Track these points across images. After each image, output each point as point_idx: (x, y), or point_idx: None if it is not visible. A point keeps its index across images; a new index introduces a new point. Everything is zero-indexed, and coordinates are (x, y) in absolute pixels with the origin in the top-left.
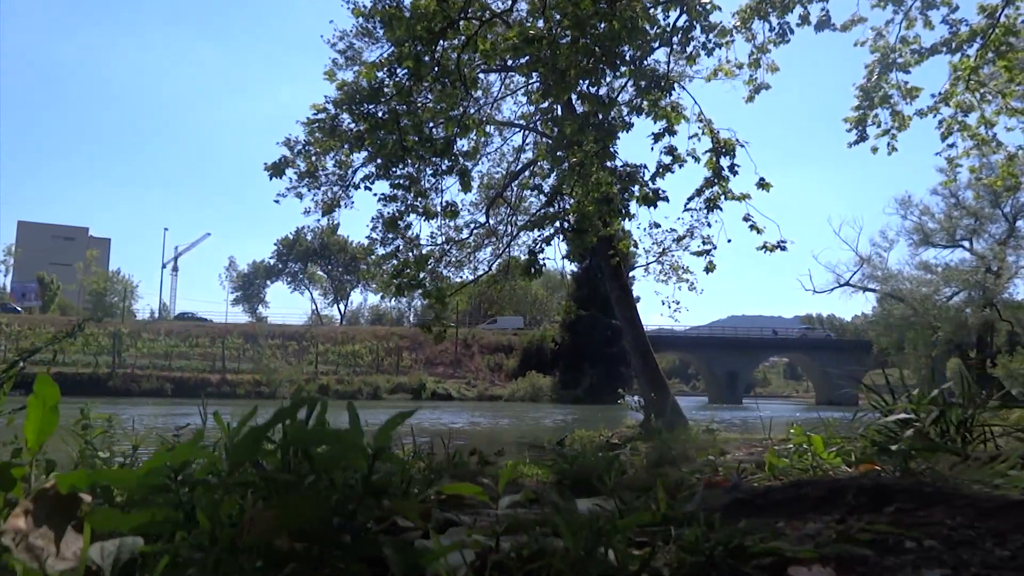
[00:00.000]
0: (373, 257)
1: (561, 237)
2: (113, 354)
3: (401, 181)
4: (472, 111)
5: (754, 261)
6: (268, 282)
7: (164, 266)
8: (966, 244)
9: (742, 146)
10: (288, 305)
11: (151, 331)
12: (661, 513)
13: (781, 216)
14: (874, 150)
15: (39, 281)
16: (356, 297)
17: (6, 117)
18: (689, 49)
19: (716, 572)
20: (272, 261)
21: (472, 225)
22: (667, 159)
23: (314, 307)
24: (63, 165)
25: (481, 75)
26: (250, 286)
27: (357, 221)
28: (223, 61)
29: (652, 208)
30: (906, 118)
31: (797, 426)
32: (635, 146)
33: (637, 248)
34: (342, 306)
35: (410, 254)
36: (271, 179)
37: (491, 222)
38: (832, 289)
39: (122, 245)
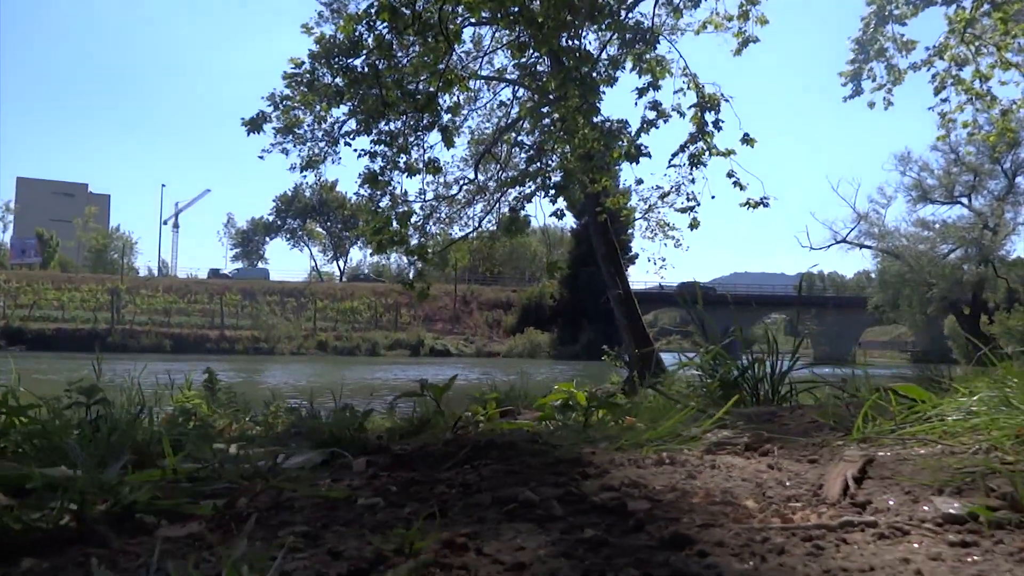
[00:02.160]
0: (364, 215)
1: (543, 194)
2: (112, 310)
3: (383, 137)
4: (459, 66)
5: (756, 218)
6: (267, 239)
7: (165, 222)
8: (964, 200)
9: (727, 101)
10: (288, 262)
11: (150, 287)
12: (172, 470)
13: (782, 173)
14: (871, 105)
15: (38, 237)
16: (356, 254)
17: (3, 72)
18: (676, 0)
19: (88, 529)
20: (271, 217)
21: (462, 181)
22: (651, 114)
23: (313, 264)
24: (62, 121)
25: (472, 28)
26: (249, 242)
27: (356, 177)
28: (224, 8)
29: (635, 164)
30: (901, 72)
31: (565, 383)
32: (619, 102)
33: (625, 204)
34: (341, 263)
35: (395, 211)
36: (248, 135)
37: (481, 178)
38: (828, 246)
39: (122, 202)
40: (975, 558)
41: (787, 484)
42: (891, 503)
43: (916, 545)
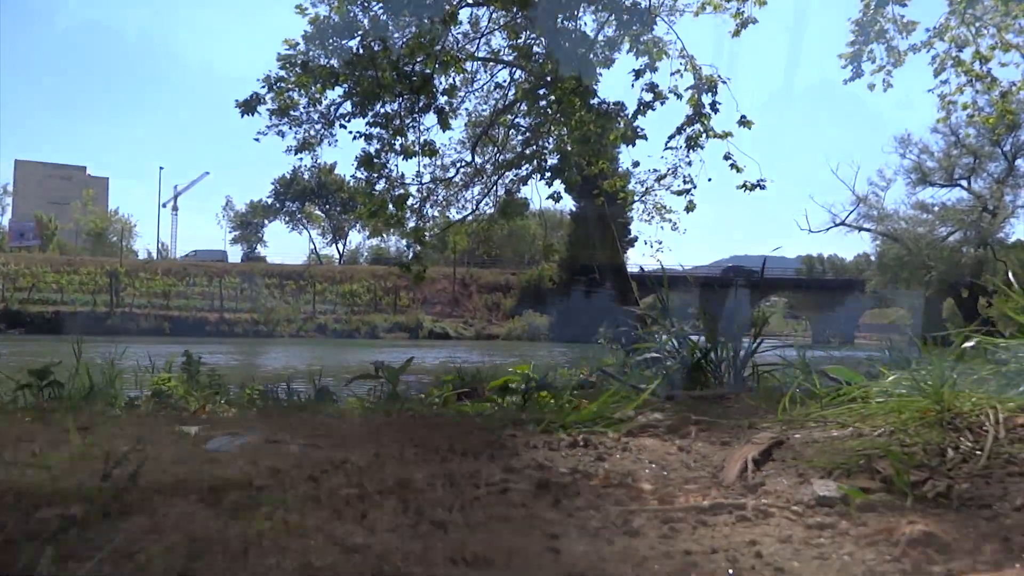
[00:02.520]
0: (361, 197)
1: (539, 177)
2: (111, 293)
3: (378, 119)
4: (455, 47)
5: (756, 201)
6: (266, 221)
7: (163, 205)
8: (964, 183)
9: (724, 83)
10: (287, 245)
11: (149, 270)
12: (80, 452)
13: (781, 155)
14: (871, 87)
15: (37, 220)
16: (355, 237)
17: (0, 54)
18: None
19: None
20: (270, 200)
21: (459, 164)
22: (648, 96)
23: (312, 246)
24: (59, 103)
25: (468, 8)
26: (248, 225)
27: (353, 160)
28: None
29: (631, 146)
30: (901, 54)
31: (521, 365)
32: (616, 84)
33: (623, 187)
34: (340, 246)
35: (391, 194)
36: (242, 116)
37: (478, 161)
38: (827, 229)
39: (120, 184)
40: (822, 541)
41: (691, 466)
42: (782, 485)
43: (772, 528)
